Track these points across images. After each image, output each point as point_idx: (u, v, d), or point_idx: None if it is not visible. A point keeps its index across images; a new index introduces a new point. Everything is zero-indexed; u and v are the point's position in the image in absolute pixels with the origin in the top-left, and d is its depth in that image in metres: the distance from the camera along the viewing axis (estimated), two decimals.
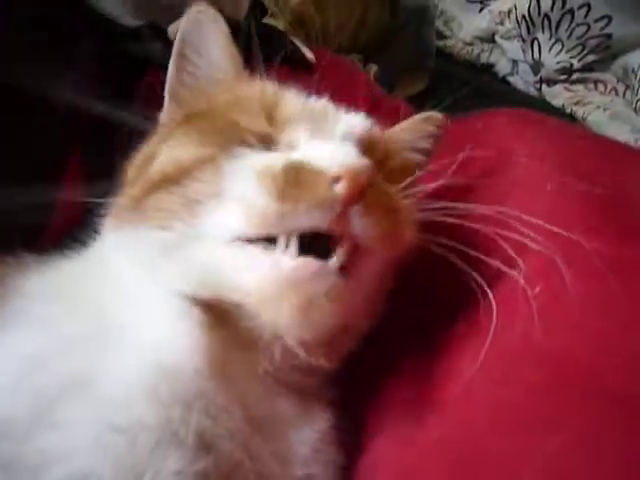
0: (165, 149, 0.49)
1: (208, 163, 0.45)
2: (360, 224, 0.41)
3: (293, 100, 0.51)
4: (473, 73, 1.65)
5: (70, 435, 0.38)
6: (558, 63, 1.41)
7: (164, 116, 0.57)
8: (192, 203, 0.44)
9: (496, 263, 0.47)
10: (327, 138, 0.47)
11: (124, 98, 0.74)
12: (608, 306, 0.42)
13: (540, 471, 0.35)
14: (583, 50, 1.35)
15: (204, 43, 0.56)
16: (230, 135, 0.47)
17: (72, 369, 0.41)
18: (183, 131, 0.50)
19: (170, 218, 0.45)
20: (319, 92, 0.55)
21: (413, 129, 0.62)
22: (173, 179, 0.46)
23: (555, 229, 0.46)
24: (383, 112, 0.87)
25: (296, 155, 0.43)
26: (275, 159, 0.43)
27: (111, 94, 0.73)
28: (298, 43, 0.88)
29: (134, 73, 0.75)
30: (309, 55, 0.88)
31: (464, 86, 1.63)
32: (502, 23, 1.59)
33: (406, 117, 0.89)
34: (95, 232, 0.54)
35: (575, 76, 1.40)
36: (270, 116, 0.49)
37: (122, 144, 0.68)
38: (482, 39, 1.67)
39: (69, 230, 0.56)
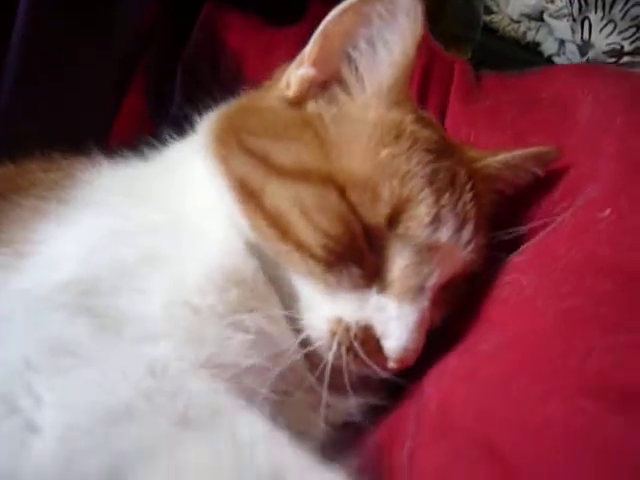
0: (285, 195, 0.48)
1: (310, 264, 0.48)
2: None
3: (422, 216, 0.48)
4: (517, 50, 1.63)
5: (146, 301, 0.41)
6: (608, 45, 1.39)
7: (307, 58, 0.53)
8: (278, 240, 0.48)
9: (563, 190, 0.48)
10: (417, 291, 0.49)
11: (185, 24, 0.74)
12: None
13: (607, 365, 0.36)
14: (637, 32, 1.33)
15: (386, 36, 0.50)
16: (346, 248, 0.48)
17: (149, 246, 0.44)
18: (310, 192, 0.48)
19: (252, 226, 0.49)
20: None
21: (518, 166, 0.59)
22: (274, 224, 0.48)
23: (623, 159, 0.46)
24: (439, 65, 0.87)
25: (374, 321, 0.49)
26: (352, 315, 0.49)
27: (173, 18, 0.74)
28: None
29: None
30: None
31: (507, 62, 1.60)
32: (552, 1, 1.56)
33: (461, 73, 0.89)
34: (161, 142, 0.57)
35: (625, 59, 1.37)
36: (396, 213, 0.48)
37: (182, 66, 0.69)
38: (529, 17, 1.64)
39: (131, 135, 0.59)
